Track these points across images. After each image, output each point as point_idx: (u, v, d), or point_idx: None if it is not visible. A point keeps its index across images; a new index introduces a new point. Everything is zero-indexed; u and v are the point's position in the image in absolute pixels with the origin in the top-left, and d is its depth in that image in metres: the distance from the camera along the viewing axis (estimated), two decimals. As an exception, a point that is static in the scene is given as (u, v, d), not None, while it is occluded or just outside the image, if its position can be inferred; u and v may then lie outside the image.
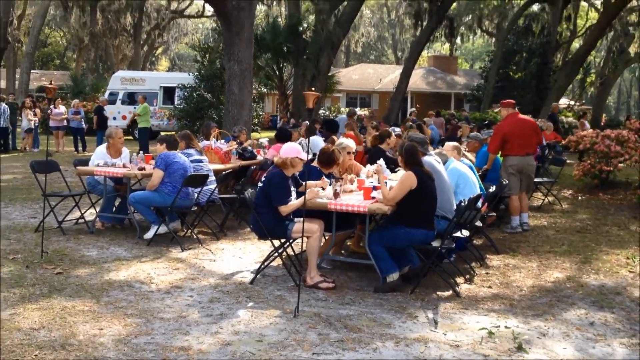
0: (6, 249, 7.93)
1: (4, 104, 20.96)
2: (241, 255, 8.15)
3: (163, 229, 8.45)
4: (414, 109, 26.55)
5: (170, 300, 6.20)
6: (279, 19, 34.94)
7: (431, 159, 7.30)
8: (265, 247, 8.48)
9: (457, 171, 7.84)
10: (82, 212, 9.47)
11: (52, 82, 7.73)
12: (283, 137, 11.53)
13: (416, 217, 6.61)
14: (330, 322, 5.68)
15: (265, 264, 7.21)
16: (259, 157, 11.52)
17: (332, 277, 7.09)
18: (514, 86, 38.92)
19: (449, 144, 8.68)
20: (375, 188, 7.10)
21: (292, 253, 7.28)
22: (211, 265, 7.58)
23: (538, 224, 10.75)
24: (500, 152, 10.01)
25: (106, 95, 30.39)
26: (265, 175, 7.11)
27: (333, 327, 5.56)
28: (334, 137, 13.31)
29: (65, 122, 22.70)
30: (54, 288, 6.42)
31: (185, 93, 19.31)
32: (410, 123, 19.49)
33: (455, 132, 15.81)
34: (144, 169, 8.94)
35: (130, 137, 27.72)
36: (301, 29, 29.96)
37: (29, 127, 21.92)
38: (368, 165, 8.57)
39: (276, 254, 7.16)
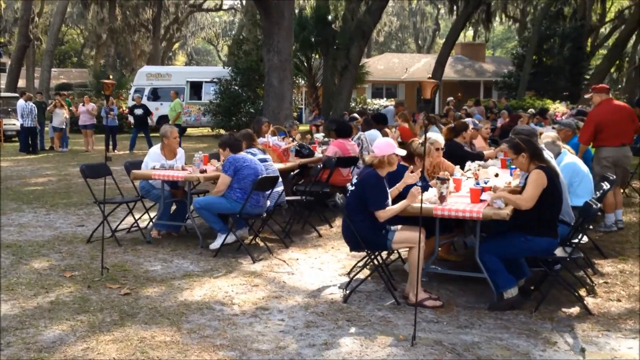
0: (59, 265, 7.12)
1: (31, 103, 20.23)
2: (320, 266, 7.28)
3: (231, 237, 7.60)
4: (451, 98, 25.51)
5: (260, 326, 5.35)
6: (305, 10, 33.99)
7: (545, 153, 6.37)
8: (341, 256, 7.67)
9: (572, 167, 6.93)
10: (136, 219, 8.64)
11: (111, 77, 6.88)
12: (344, 132, 10.67)
13: (540, 223, 5.70)
14: (458, 352, 4.80)
15: (353, 276, 6.37)
16: (317, 154, 10.66)
17: (431, 291, 6.20)
18: (547, 72, 37.83)
19: (549, 134, 7.72)
20: (483, 190, 6.19)
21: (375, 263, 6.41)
22: (292, 279, 6.72)
23: (629, 221, 9.80)
24: (592, 143, 9.07)
25: (132, 91, 29.68)
26: (357, 176, 6.22)
27: (463, 359, 4.69)
28: (387, 129, 12.44)
29: (94, 120, 21.94)
30: (125, 313, 5.59)
31: (221, 87, 18.40)
32: (460, 113, 18.59)
33: (515, 122, 14.85)
34: (204, 171, 8.09)
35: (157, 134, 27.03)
36: (330, 18, 29.02)
37: (59, 127, 21.18)
38: (468, 163, 7.69)
39: (365, 266, 6.32)
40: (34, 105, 20.43)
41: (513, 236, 5.81)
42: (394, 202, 6.02)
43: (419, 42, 67.57)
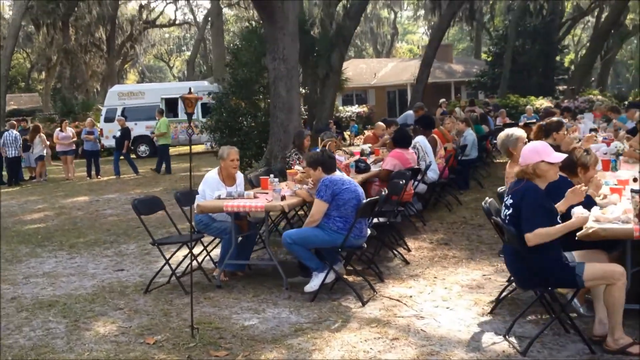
0: (130, 327, 5.74)
1: (15, 132, 18.52)
2: (444, 304, 6.03)
3: (330, 276, 6.31)
4: (444, 100, 24.57)
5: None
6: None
7: None
8: (456, 288, 6.45)
9: None
10: (198, 259, 7.27)
11: (191, 91, 5.56)
12: (404, 141, 9.50)
13: None
14: None
15: (515, 320, 5.16)
16: (373, 168, 9.45)
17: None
18: (519, 68, 37.32)
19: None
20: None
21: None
22: (429, 327, 5.45)
23: None
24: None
25: (103, 112, 28.01)
26: (510, 195, 4.97)
27: None
28: (435, 135, 11.29)
29: (73, 146, 20.29)
30: (262, 394, 4.28)
31: (218, 101, 17.03)
32: (475, 113, 17.57)
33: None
34: (284, 197, 6.77)
35: (134, 155, 25.44)
36: (308, 25, 27.83)
37: (40, 154, 19.48)
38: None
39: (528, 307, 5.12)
40: (18, 133, 18.74)
41: None
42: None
43: (378, 47, 66.74)
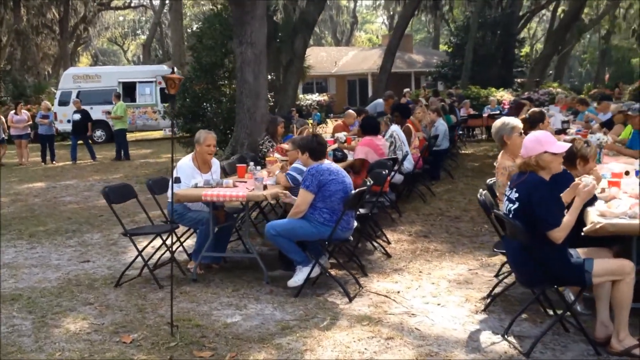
0: (104, 324, 5.34)
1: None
2: (434, 300, 5.78)
3: (315, 270, 6.00)
4: (408, 89, 24.42)
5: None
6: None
7: None
8: (444, 284, 6.23)
9: None
10: (171, 250, 6.87)
11: (174, 72, 5.15)
12: (370, 128, 9.21)
13: None
14: None
15: (514, 319, 4.94)
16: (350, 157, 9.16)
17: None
18: (479, 60, 37.39)
19: None
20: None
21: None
22: (423, 325, 5.17)
23: None
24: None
25: (58, 95, 27.14)
26: (513, 188, 4.71)
27: None
28: (409, 124, 11.05)
29: (28, 130, 19.54)
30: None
31: (183, 86, 16.50)
32: (443, 103, 17.35)
33: (519, 112, 13.73)
34: (266, 186, 6.42)
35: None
36: (270, 11, 27.35)
37: (2, 138, 18.72)
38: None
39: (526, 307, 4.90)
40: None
41: None
42: None
43: (337, 35, 66.45)
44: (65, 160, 19.60)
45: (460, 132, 18.39)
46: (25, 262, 7.57)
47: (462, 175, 13.46)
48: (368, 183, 6.54)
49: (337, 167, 6.11)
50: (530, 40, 63.55)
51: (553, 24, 48.74)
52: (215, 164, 7.24)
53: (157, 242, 6.92)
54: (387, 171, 7.51)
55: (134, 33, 77.27)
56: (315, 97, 39.69)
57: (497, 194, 5.90)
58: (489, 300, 5.58)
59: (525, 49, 55.77)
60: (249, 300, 5.84)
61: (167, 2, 48.60)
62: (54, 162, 19.35)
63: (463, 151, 18.09)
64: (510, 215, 4.59)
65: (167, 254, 6.90)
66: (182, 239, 7.33)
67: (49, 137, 19.42)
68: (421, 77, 43.78)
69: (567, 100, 16.99)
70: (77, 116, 19.60)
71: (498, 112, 22.26)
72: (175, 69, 5.22)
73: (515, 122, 6.06)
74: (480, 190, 5.59)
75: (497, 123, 6.07)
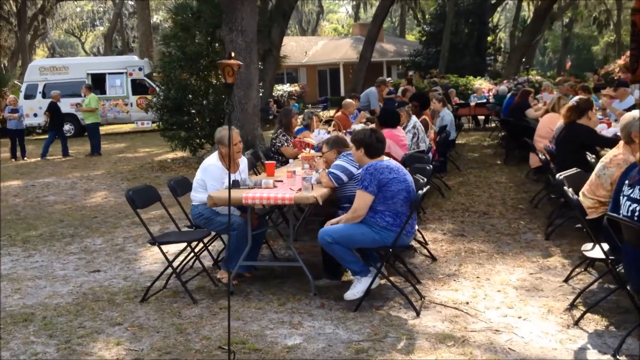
0: (142, 350, 4.59)
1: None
2: (516, 313, 5.10)
3: (375, 282, 5.31)
4: (390, 78, 23.79)
5: None
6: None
7: None
8: (511, 292, 5.60)
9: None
10: (199, 259, 6.13)
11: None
12: (391, 120, 8.55)
13: None
14: None
15: (625, 337, 4.34)
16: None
17: None
18: (453, 48, 37.03)
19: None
20: None
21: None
22: (516, 345, 4.49)
23: None
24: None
25: (23, 88, 25.91)
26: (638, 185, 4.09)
27: None
28: (426, 116, 10.43)
29: (-3, 124, 18.49)
30: None
31: (167, 77, 15.61)
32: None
33: (526, 99, 13.22)
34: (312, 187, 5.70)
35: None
36: None
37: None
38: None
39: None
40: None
41: None
42: None
43: (303, 25, 65.59)
44: (36, 156, 18.57)
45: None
46: (27, 273, 6.74)
47: (468, 167, 12.91)
48: (420, 181, 5.86)
49: (397, 164, 5.41)
50: (494, 29, 63.51)
51: (519, 13, 48.83)
52: (243, 162, 6.50)
53: (175, 248, 6.16)
54: (430, 166, 6.83)
55: (92, 24, 75.35)
56: (287, 87, 38.86)
57: (601, 183, 5.24)
58: (576, 312, 4.97)
59: (491, 37, 55.76)
60: (302, 317, 5.13)
61: (130, -9, 47.19)
62: (25, 158, 18.30)
63: (457, 141, 17.53)
64: (636, 218, 3.97)
65: (189, 263, 6.21)
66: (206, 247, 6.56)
67: (19, 132, 18.35)
68: (392, 66, 43.23)
69: (564, 88, 16.55)
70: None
71: (485, 100, 21.87)
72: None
73: None
74: (565, 188, 4.96)
75: (627, 117, 5.37)
